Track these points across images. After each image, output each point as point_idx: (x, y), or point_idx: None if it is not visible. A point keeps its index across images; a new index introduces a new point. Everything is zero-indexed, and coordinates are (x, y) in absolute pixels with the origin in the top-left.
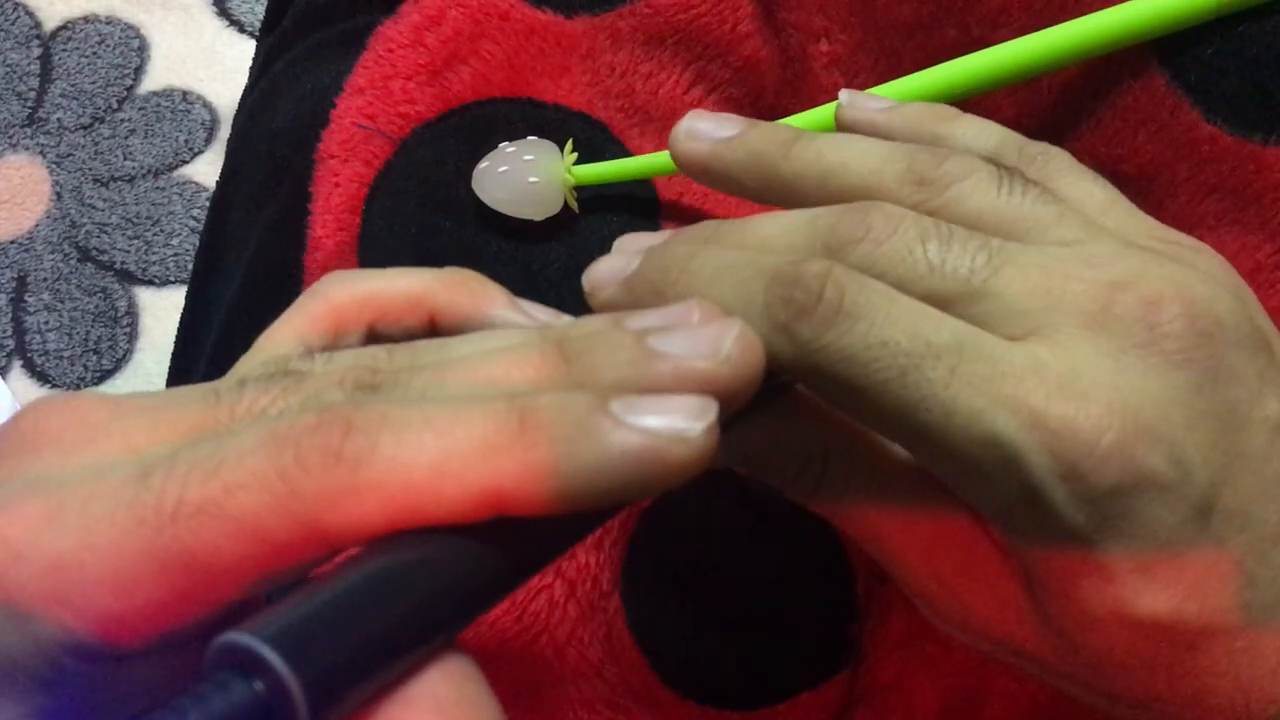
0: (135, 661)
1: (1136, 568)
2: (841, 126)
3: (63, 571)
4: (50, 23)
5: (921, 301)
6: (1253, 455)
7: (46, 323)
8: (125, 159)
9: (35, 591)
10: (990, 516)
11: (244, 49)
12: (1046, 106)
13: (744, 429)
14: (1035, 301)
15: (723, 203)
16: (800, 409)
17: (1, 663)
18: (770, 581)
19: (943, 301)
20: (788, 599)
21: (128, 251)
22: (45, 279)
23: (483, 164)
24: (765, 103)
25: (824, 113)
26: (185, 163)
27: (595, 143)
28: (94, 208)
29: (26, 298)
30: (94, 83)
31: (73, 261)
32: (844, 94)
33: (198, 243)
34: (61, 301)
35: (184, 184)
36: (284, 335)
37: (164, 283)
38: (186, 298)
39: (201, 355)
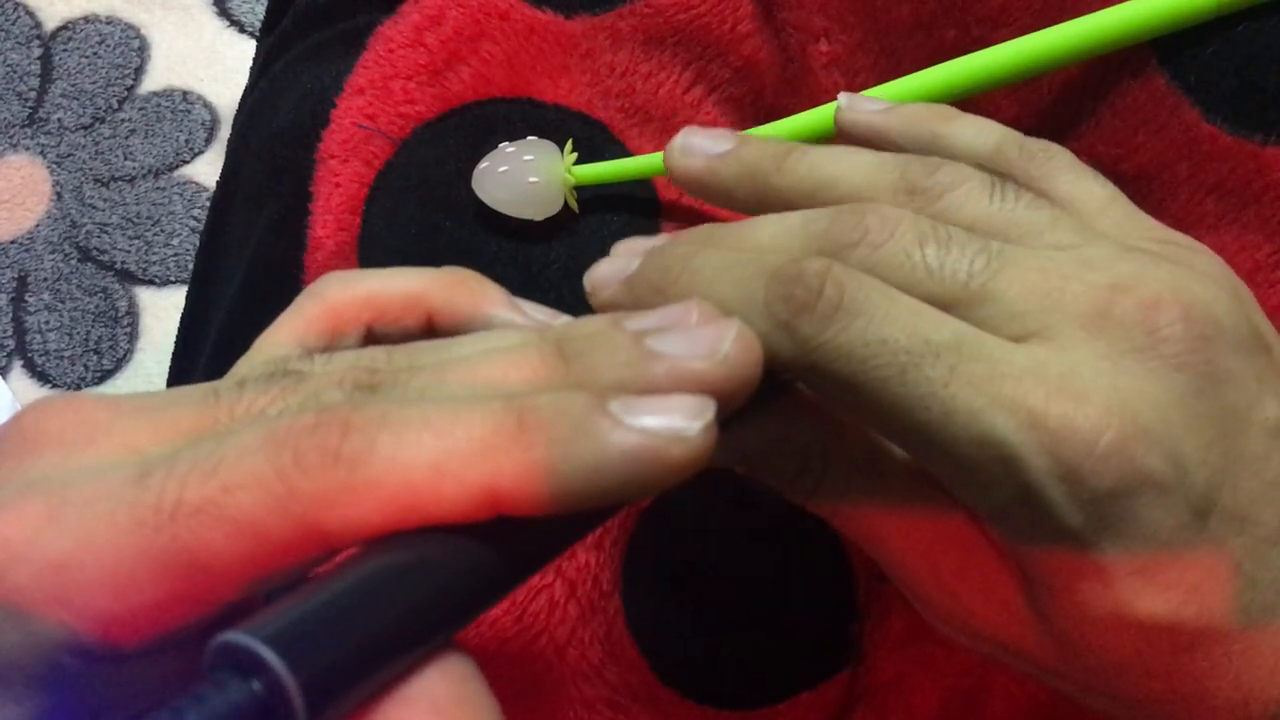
0: (135, 661)
1: (1134, 569)
2: (840, 129)
3: (62, 571)
4: (50, 23)
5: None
6: (1252, 457)
7: (47, 323)
8: (125, 159)
9: (35, 591)
10: (988, 517)
11: (244, 49)
12: (1046, 106)
13: (743, 429)
14: (1034, 304)
15: None
16: (799, 409)
17: (0, 663)
18: (770, 581)
19: (941, 305)
20: (787, 599)
21: (128, 251)
22: (45, 279)
23: (483, 164)
24: (765, 103)
25: (825, 112)
26: (185, 163)
27: (595, 143)
28: (94, 208)
29: (27, 298)
30: (94, 83)
31: (73, 261)
32: (843, 97)
33: (198, 243)
34: (62, 301)
35: (184, 184)
36: (283, 336)
37: (164, 283)
38: (187, 298)
39: (201, 355)
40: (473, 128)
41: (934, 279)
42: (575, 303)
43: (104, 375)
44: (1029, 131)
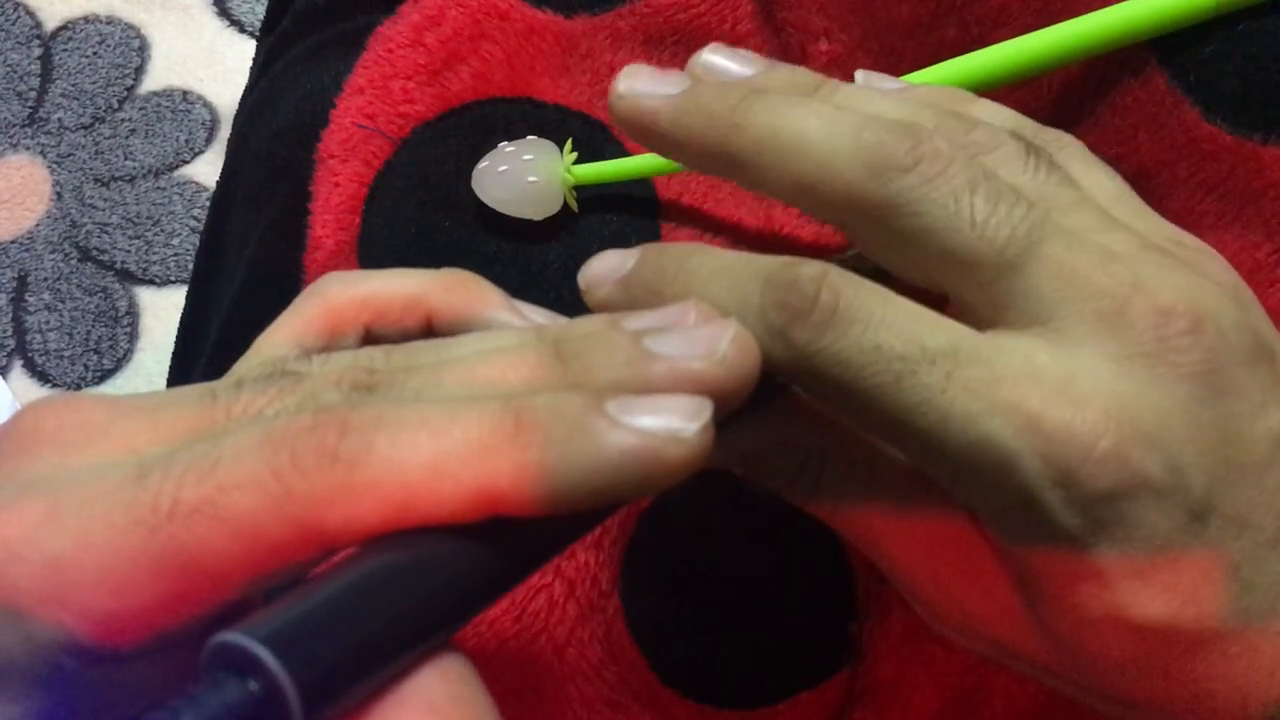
0: (133, 661)
1: (1131, 572)
2: None
3: (60, 572)
4: (50, 23)
5: (945, 256)
6: (1253, 465)
7: (47, 322)
8: (126, 159)
9: (33, 591)
10: (986, 519)
11: (244, 49)
12: (1046, 106)
13: (740, 429)
14: (1057, 290)
15: (723, 202)
16: (797, 410)
17: None
18: (769, 581)
19: (966, 262)
20: (787, 599)
21: (128, 251)
22: (46, 279)
23: (482, 164)
24: None
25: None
26: (185, 163)
27: (595, 142)
28: (94, 208)
29: (27, 297)
30: (94, 83)
31: (73, 261)
32: (860, 74)
33: (198, 243)
34: (62, 301)
35: (184, 184)
36: (281, 336)
37: (164, 283)
38: (186, 298)
39: (201, 355)
40: (472, 127)
41: (974, 231)
42: (574, 303)
43: (104, 375)
44: None
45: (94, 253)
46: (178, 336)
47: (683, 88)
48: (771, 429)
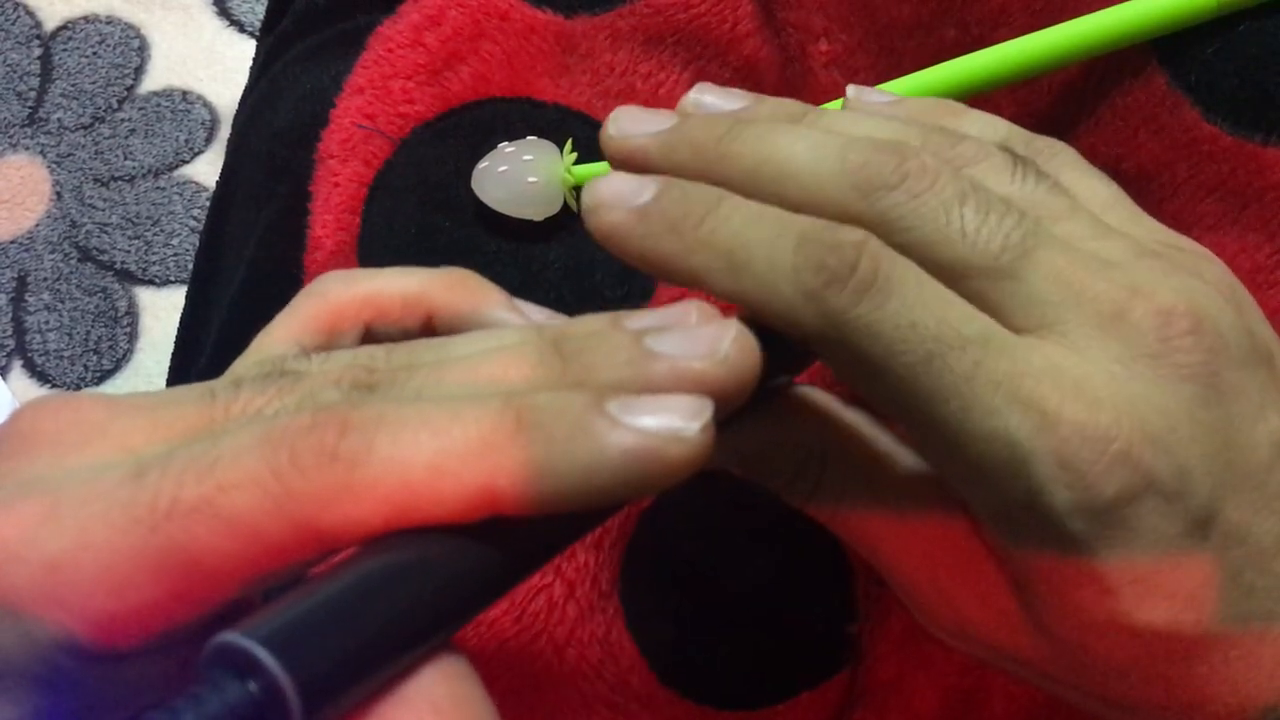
0: (132, 661)
1: (1133, 578)
2: None
3: (59, 571)
4: (50, 23)
5: (941, 269)
6: (1254, 470)
7: (46, 322)
8: (125, 159)
9: (31, 591)
10: (986, 520)
11: (244, 49)
12: (1046, 106)
13: (741, 430)
14: (1057, 294)
15: None
16: (797, 411)
17: None
18: (770, 582)
19: (963, 273)
20: (787, 599)
21: (128, 251)
22: (45, 279)
23: (482, 164)
24: None
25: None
26: (185, 163)
27: (595, 142)
28: (94, 208)
29: (26, 297)
30: (94, 83)
31: (73, 261)
32: (851, 89)
33: (198, 243)
34: (62, 301)
35: (184, 184)
36: (281, 335)
37: (164, 283)
38: (186, 298)
39: (201, 355)
40: (472, 127)
41: (966, 242)
42: (575, 302)
43: (104, 375)
44: (1029, 130)
45: (94, 253)
46: (177, 337)
47: (672, 124)
48: (771, 429)
